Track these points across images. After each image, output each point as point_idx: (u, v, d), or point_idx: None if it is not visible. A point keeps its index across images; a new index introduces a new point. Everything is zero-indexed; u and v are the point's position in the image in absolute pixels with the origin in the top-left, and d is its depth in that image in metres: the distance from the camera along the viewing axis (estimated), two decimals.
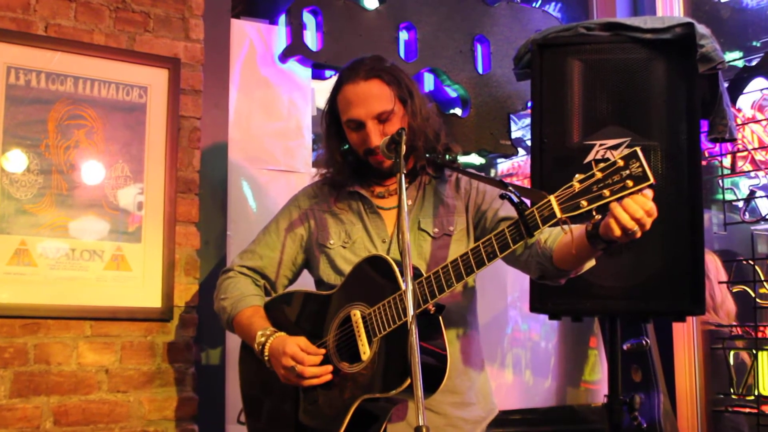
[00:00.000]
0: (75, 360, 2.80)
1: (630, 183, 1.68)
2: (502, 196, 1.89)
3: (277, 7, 3.59)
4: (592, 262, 2.05)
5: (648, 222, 1.77)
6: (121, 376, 2.87)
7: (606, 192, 1.71)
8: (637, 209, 1.74)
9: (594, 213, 1.74)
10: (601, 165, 1.72)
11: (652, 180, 1.67)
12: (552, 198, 1.80)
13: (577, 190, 1.75)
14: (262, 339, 2.24)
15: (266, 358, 2.23)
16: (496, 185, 2.14)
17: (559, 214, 1.78)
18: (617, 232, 1.77)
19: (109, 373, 2.85)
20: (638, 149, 1.68)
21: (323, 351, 2.18)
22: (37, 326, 2.75)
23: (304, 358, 2.14)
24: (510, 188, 1.88)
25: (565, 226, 1.79)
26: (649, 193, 1.73)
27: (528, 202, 1.88)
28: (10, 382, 2.69)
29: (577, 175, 1.75)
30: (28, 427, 2.70)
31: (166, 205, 2.99)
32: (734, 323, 4.17)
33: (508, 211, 2.18)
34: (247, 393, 2.43)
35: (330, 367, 2.16)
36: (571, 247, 1.90)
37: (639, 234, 1.78)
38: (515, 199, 1.87)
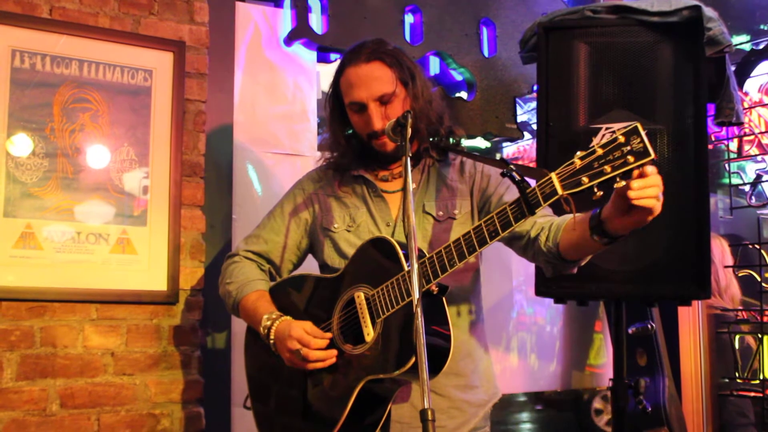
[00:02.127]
0: (81, 343, 2.82)
1: (631, 159, 1.67)
2: (503, 174, 1.88)
3: None
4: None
5: (660, 195, 1.74)
6: (127, 359, 2.88)
7: (607, 168, 1.69)
8: (652, 189, 1.70)
9: (595, 189, 1.73)
10: (602, 141, 1.71)
11: (653, 155, 1.65)
12: (553, 175, 1.79)
13: (578, 167, 1.74)
14: (268, 323, 2.24)
15: (272, 341, 2.23)
16: (497, 165, 2.13)
17: (560, 191, 1.77)
18: (636, 214, 1.75)
19: (115, 356, 2.86)
20: (639, 125, 1.67)
21: (329, 335, 2.18)
22: (43, 309, 2.77)
23: (309, 341, 2.14)
24: (511, 167, 1.88)
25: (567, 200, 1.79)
26: (651, 168, 1.71)
27: (532, 182, 1.87)
28: (17, 364, 2.71)
29: (578, 152, 1.74)
30: (35, 410, 2.72)
31: (172, 189, 2.99)
32: (739, 307, 4.17)
33: (513, 194, 2.17)
34: (253, 377, 2.43)
35: (335, 352, 2.16)
36: (575, 241, 1.93)
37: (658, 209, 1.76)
38: (516, 177, 1.86)
